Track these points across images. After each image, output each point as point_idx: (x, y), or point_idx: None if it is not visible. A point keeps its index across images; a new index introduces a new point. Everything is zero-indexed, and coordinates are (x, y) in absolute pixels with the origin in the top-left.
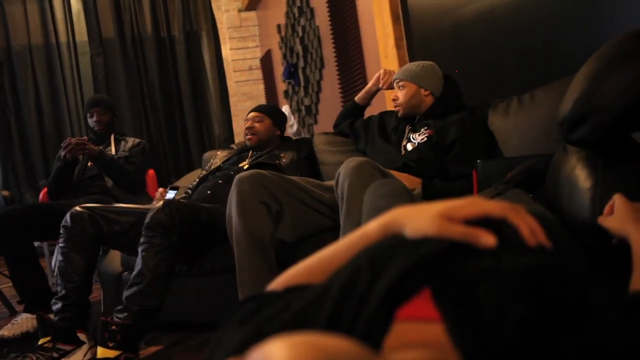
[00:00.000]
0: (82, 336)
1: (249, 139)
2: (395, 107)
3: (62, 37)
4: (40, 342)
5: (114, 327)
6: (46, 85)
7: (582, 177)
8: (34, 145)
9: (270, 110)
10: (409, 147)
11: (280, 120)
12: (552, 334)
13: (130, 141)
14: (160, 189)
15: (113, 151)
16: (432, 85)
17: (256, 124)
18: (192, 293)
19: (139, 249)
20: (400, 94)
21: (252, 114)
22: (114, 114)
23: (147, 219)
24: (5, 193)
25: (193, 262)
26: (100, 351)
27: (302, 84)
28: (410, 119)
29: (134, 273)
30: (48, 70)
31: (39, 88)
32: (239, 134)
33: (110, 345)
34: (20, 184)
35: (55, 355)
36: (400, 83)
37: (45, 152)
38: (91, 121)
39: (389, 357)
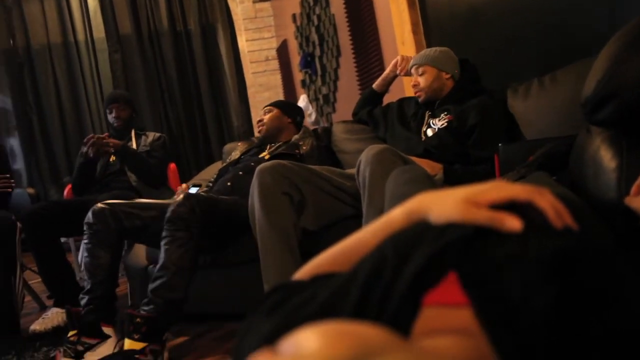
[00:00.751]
0: (108, 330)
1: (259, 130)
2: (416, 93)
3: (80, 35)
4: (69, 334)
5: (138, 319)
6: (66, 83)
7: (607, 158)
8: (57, 142)
9: (278, 102)
10: (429, 132)
11: (289, 109)
12: (579, 316)
13: (151, 136)
14: (183, 185)
15: (134, 146)
16: (452, 68)
17: (264, 116)
18: (217, 284)
19: (162, 243)
20: (421, 79)
21: (263, 110)
22: (134, 109)
23: (169, 213)
24: (31, 190)
25: (217, 253)
26: (127, 343)
27: (319, 72)
28: (430, 104)
29: (157, 266)
30: (67, 68)
31: (59, 86)
32: None
33: (136, 337)
34: (45, 180)
35: (80, 348)
36: (420, 69)
37: (67, 149)
38: (111, 117)
39: (418, 344)
